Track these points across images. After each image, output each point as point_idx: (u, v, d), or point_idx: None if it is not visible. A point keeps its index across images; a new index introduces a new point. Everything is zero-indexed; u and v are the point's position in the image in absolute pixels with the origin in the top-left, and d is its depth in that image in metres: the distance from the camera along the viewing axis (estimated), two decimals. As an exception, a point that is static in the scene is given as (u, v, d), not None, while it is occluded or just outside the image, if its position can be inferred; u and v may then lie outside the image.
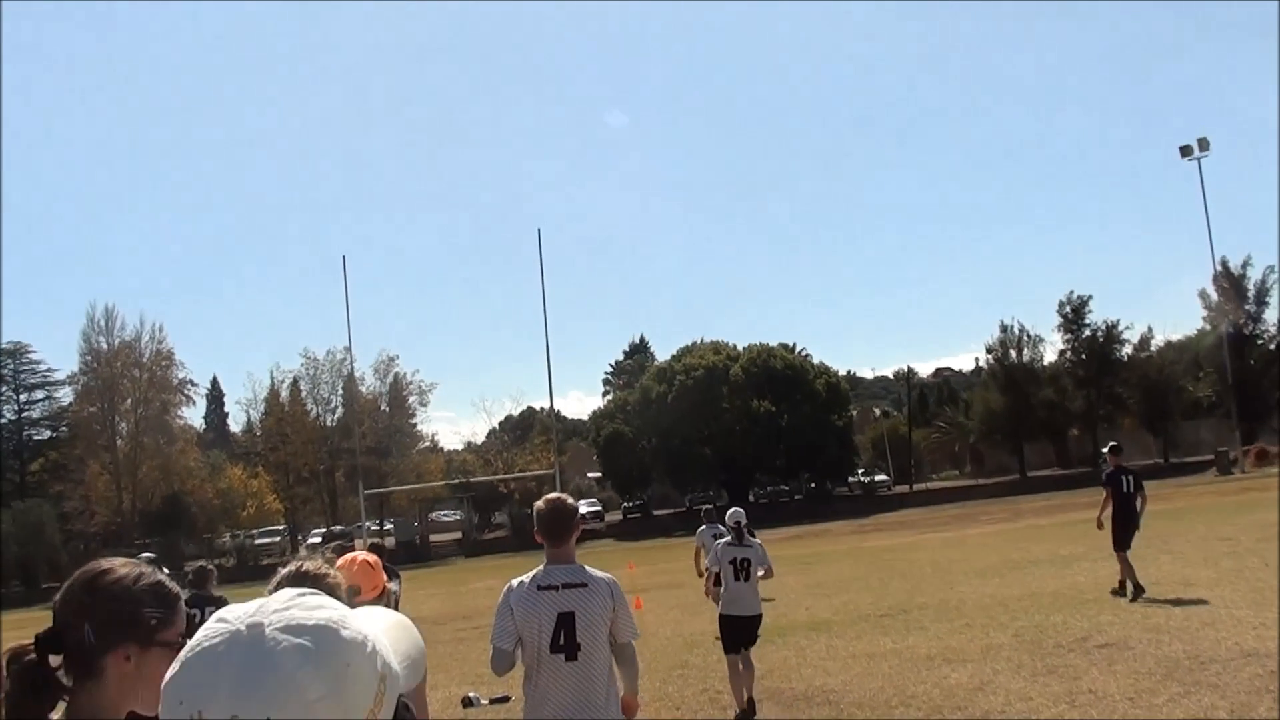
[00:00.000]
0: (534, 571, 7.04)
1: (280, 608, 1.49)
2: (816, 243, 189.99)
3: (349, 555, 5.77)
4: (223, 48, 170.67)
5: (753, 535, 14.79)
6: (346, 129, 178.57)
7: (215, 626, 1.47)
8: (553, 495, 7.37)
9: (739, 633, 14.05)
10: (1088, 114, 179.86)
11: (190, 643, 1.48)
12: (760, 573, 14.29)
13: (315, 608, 1.51)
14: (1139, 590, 19.85)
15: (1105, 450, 22.78)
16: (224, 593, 16.17)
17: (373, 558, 5.72)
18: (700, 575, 21.04)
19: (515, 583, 7.03)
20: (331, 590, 4.23)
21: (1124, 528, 20.88)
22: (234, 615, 1.48)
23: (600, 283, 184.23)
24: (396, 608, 5.08)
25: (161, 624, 2.79)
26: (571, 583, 6.95)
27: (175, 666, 1.46)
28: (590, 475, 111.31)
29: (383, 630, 1.61)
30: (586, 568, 7.19)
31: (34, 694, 2.65)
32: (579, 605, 6.85)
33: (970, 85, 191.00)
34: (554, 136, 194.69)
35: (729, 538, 14.54)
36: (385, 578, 5.71)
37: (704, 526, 22.48)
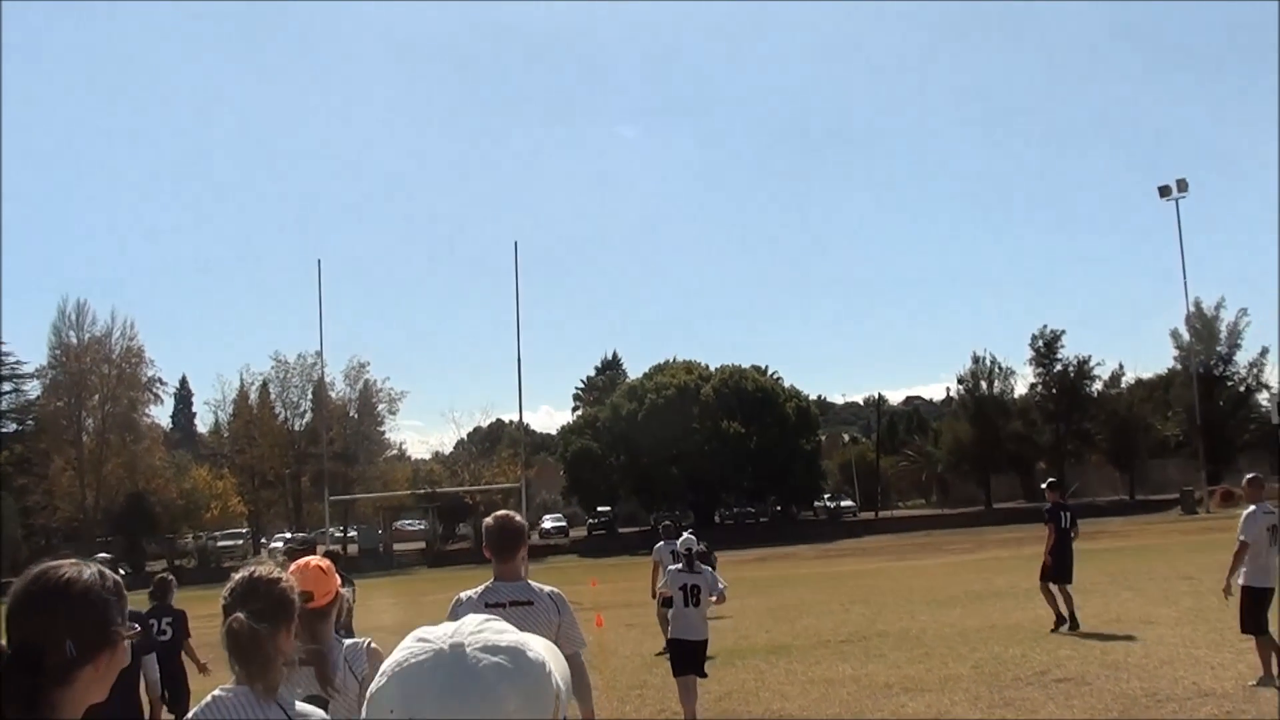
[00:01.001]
0: (481, 587, 7.21)
1: (475, 630, 1.69)
2: (792, 266, 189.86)
3: (303, 560, 5.75)
4: (201, 45, 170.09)
5: (705, 563, 15.14)
6: (328, 132, 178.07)
7: (418, 646, 1.68)
8: (501, 513, 7.55)
9: (686, 656, 14.23)
10: (1068, 150, 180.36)
11: (394, 659, 1.68)
12: (712, 599, 14.44)
13: (503, 631, 1.72)
14: (1068, 622, 20.39)
15: (1044, 486, 23.48)
16: (184, 593, 16.14)
17: (325, 563, 5.72)
18: (653, 596, 21.24)
19: (463, 596, 7.19)
20: (283, 595, 4.27)
21: (1062, 562, 21.22)
22: (434, 636, 1.69)
23: (575, 298, 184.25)
24: (349, 615, 5.13)
25: (121, 623, 2.80)
26: (518, 600, 7.06)
27: (382, 680, 1.66)
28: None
29: (550, 656, 1.77)
30: (532, 584, 7.31)
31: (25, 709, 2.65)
32: (525, 623, 6.72)
33: (950, 116, 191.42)
34: (535, 149, 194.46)
35: (680, 564, 14.69)
36: (339, 582, 5.71)
37: (662, 543, 22.60)
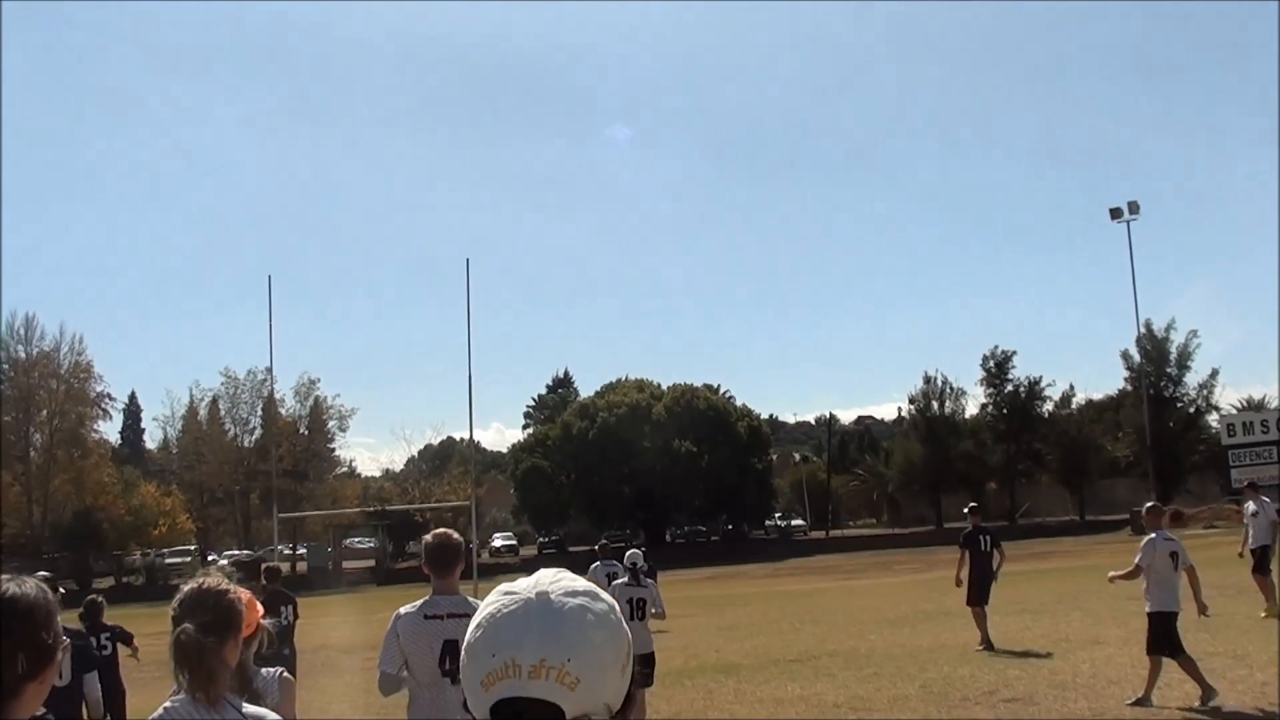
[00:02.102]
0: (420, 601, 7.55)
1: (554, 579, 1.89)
2: (744, 286, 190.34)
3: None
4: (151, 59, 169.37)
5: (649, 577, 15.49)
6: (278, 146, 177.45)
7: (507, 598, 1.86)
8: (440, 530, 7.93)
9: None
10: (1020, 171, 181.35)
11: (486, 613, 1.86)
12: (653, 611, 14.75)
13: (575, 579, 1.91)
14: (988, 645, 20.88)
15: (966, 510, 23.96)
16: (131, 611, 16.06)
17: (246, 595, 5.76)
18: None
19: (403, 611, 7.51)
20: (230, 607, 4.36)
21: (980, 585, 21.77)
22: (519, 587, 1.88)
23: (526, 315, 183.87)
24: (273, 645, 5.20)
25: (59, 637, 2.83)
26: (455, 612, 7.33)
27: (479, 631, 1.85)
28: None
29: (611, 599, 1.95)
30: (469, 599, 7.59)
31: None
32: (461, 634, 6.97)
33: (902, 138, 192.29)
34: (486, 166, 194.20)
35: (625, 578, 15.07)
36: (260, 614, 5.76)
37: (598, 563, 22.90)
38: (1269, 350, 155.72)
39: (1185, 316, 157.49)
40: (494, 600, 1.88)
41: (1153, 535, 15.25)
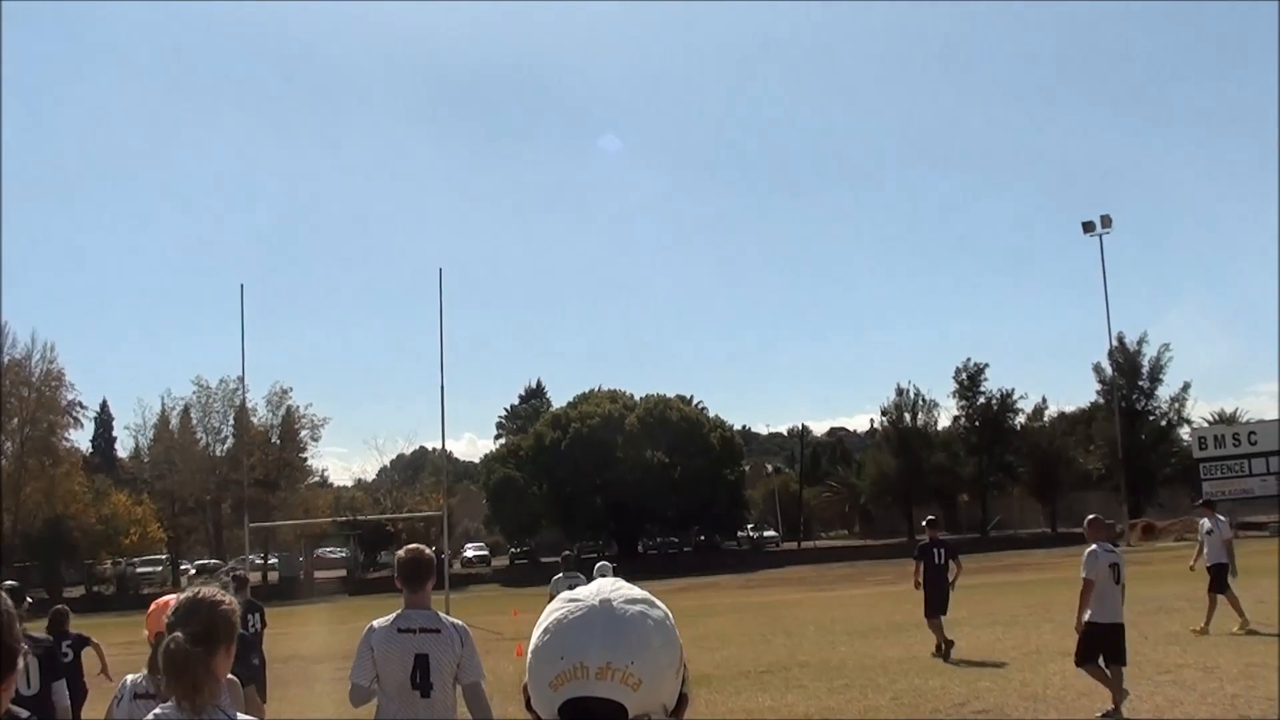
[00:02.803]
0: (393, 615, 7.69)
1: (614, 588, 2.02)
2: (717, 297, 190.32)
3: (163, 599, 5.84)
4: (123, 68, 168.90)
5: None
6: (250, 156, 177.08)
7: (572, 605, 1.99)
8: (413, 545, 8.16)
9: None
10: (994, 184, 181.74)
11: (554, 618, 1.98)
12: None
13: (632, 588, 2.04)
14: (945, 652, 21.40)
15: (924, 523, 25.06)
16: (102, 620, 16.06)
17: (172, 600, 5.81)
18: None
19: (376, 624, 7.66)
20: (223, 618, 4.41)
21: (936, 596, 22.40)
22: (583, 595, 2.00)
23: (500, 325, 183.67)
24: (259, 640, 5.29)
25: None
26: (427, 627, 7.56)
27: (546, 635, 1.97)
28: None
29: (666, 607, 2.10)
30: (440, 614, 7.80)
31: None
32: (432, 648, 7.46)
33: (874, 151, 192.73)
34: (460, 176, 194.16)
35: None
36: None
37: (559, 575, 22.83)
38: (1244, 364, 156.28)
39: (1157, 330, 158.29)
40: (559, 607, 2.01)
41: (1094, 547, 15.59)
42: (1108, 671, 14.99)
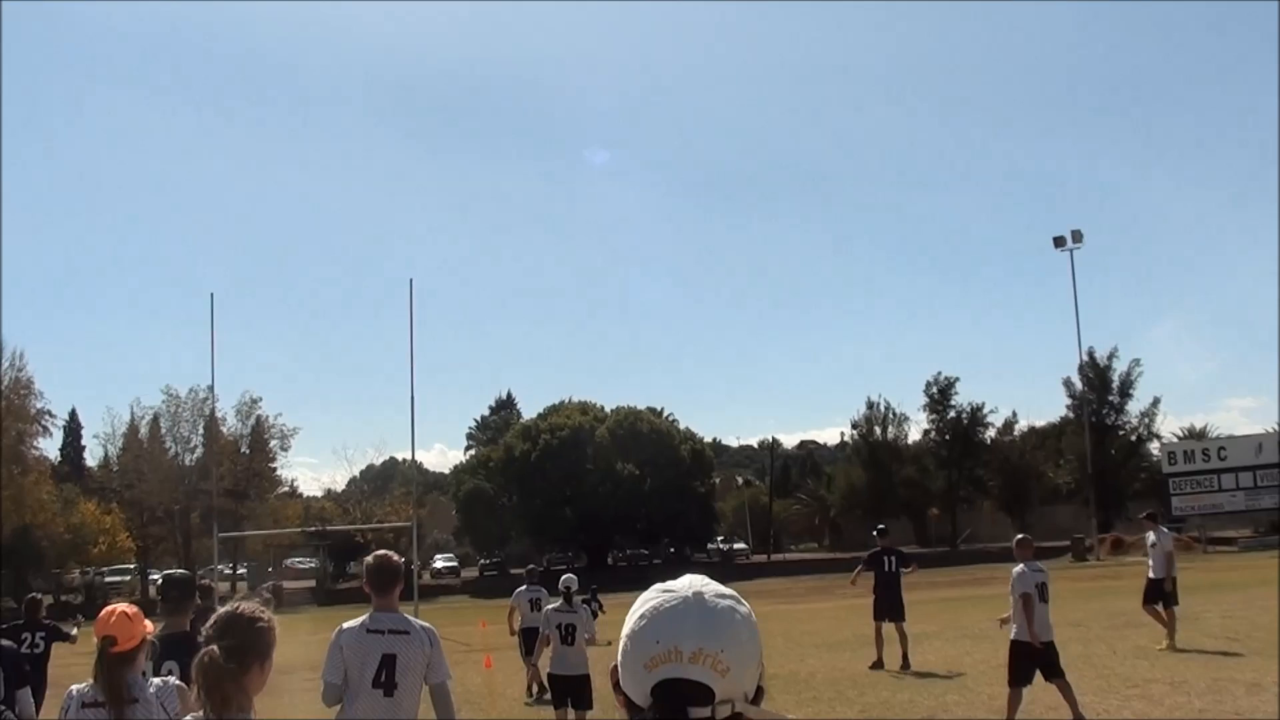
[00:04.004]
0: (362, 617, 7.93)
1: (704, 583, 2.19)
2: (688, 309, 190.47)
3: (110, 607, 5.95)
4: (94, 74, 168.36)
5: (585, 602, 16.59)
6: (221, 163, 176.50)
7: (666, 595, 2.17)
8: (381, 552, 8.35)
9: (564, 690, 14.95)
10: (964, 198, 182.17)
11: (649, 606, 2.16)
12: (586, 637, 15.08)
13: (719, 585, 2.21)
14: (880, 664, 22.03)
15: (874, 532, 25.47)
16: (69, 629, 16.00)
17: (133, 609, 5.93)
18: (512, 634, 23.02)
19: (346, 626, 7.90)
20: (258, 635, 4.49)
21: (885, 600, 23.09)
22: (677, 587, 2.18)
23: (470, 336, 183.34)
24: (155, 657, 5.40)
25: None
26: (396, 629, 7.81)
27: (642, 622, 2.14)
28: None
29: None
30: (408, 617, 8.06)
31: None
32: (400, 649, 7.71)
33: (845, 163, 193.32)
34: (429, 187, 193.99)
35: (559, 602, 15.49)
36: (148, 628, 5.91)
37: (523, 588, 23.01)
38: (1213, 378, 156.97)
39: (1127, 345, 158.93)
40: (653, 596, 2.18)
41: (1022, 566, 15.77)
42: (1060, 688, 15.17)
